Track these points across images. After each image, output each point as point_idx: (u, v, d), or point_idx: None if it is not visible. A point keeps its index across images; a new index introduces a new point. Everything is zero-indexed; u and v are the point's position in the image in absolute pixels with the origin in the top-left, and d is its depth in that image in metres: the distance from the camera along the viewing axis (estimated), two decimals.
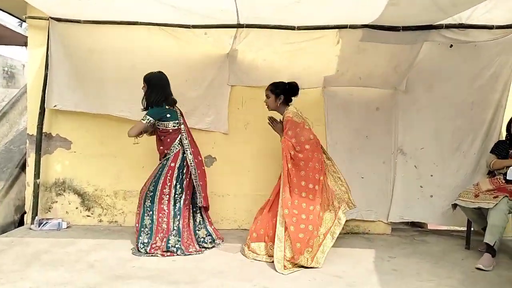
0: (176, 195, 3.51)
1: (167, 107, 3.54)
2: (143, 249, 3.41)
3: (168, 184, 3.50)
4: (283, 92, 3.54)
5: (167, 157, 3.57)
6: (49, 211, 4.31)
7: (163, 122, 3.51)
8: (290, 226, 3.22)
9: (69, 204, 4.33)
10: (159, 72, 3.55)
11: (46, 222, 4.08)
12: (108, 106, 4.16)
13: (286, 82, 3.57)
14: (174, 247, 3.41)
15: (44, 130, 4.23)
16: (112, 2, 3.56)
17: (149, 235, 3.47)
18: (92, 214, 4.34)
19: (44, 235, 3.87)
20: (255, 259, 3.36)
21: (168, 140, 3.56)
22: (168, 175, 3.51)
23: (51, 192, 4.31)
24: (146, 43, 4.07)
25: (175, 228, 3.47)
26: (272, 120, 3.64)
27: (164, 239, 3.43)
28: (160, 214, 3.48)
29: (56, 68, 4.10)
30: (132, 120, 3.99)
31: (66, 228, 4.16)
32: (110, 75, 4.14)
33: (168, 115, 3.52)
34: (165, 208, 3.48)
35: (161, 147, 3.61)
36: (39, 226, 4.03)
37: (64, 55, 4.12)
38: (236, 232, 4.19)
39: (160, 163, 3.60)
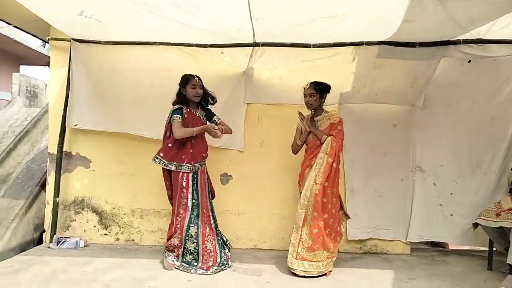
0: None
1: None
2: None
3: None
4: (326, 91, 3.61)
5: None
6: (68, 229, 4.36)
7: None
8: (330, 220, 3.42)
9: (87, 222, 4.37)
10: None
11: (65, 241, 4.13)
12: (127, 125, 4.23)
13: (323, 82, 3.63)
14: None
15: (64, 149, 4.31)
16: (131, 24, 3.64)
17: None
18: (109, 232, 4.37)
19: (62, 253, 3.91)
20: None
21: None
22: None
23: (70, 210, 4.37)
24: (164, 63, 4.14)
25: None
26: (304, 116, 3.64)
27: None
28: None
29: (77, 88, 4.20)
30: (150, 138, 4.06)
31: (84, 246, 4.19)
32: (129, 94, 4.22)
33: None
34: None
35: (206, 151, 3.64)
36: (57, 245, 4.07)
37: (85, 75, 4.22)
38: (252, 251, 4.15)
39: (202, 168, 3.60)
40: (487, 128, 4.09)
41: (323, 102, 3.66)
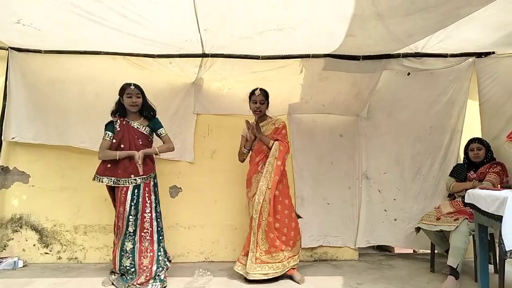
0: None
1: None
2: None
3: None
4: (268, 98, 3.69)
5: (153, 175, 3.48)
6: (5, 249, 4.06)
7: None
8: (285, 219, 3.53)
9: (26, 241, 4.10)
10: None
11: (1, 261, 3.85)
12: (69, 137, 4.05)
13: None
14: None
15: (1, 164, 4.05)
16: (74, 33, 3.51)
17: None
18: (50, 251, 4.13)
19: None
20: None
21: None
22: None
23: (7, 228, 4.08)
24: (110, 73, 4.02)
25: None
26: (250, 125, 3.63)
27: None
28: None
29: (15, 99, 3.98)
30: (94, 151, 3.90)
31: (23, 267, 3.93)
32: (72, 105, 4.05)
33: None
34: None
35: (149, 166, 3.44)
36: None
37: (23, 85, 4.01)
38: (203, 265, 4.07)
39: (148, 183, 3.42)
40: (425, 137, 4.32)
41: (267, 109, 3.73)
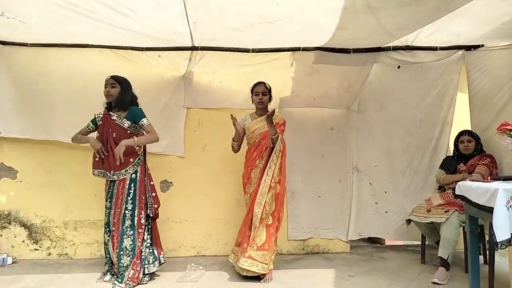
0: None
1: None
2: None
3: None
4: (271, 93, 3.68)
5: (134, 169, 3.33)
6: None
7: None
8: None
9: (15, 237, 4.05)
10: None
11: None
12: (57, 132, 3.98)
13: None
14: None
15: None
16: (61, 26, 3.43)
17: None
18: (40, 247, 4.08)
19: None
20: None
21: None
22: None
23: None
24: (98, 66, 3.94)
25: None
26: (236, 120, 3.58)
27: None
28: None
29: (0, 93, 3.89)
30: (83, 146, 3.84)
31: (12, 263, 3.89)
32: (59, 99, 3.98)
33: None
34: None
35: (130, 156, 3.29)
36: None
37: (9, 79, 3.92)
38: (195, 259, 4.05)
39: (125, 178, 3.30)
40: (416, 130, 4.35)
41: (269, 103, 3.69)
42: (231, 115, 3.57)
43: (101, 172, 3.32)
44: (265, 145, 3.52)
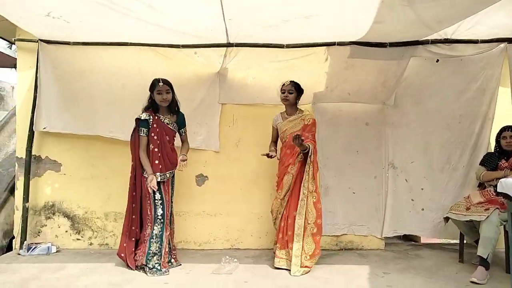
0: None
1: None
2: None
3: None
4: (302, 92, 3.73)
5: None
6: (38, 235, 4.23)
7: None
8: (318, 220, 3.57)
9: (59, 227, 4.25)
10: None
11: (35, 247, 4.01)
12: (98, 127, 4.14)
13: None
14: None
15: (33, 153, 4.18)
16: (102, 25, 3.57)
17: None
18: (82, 237, 4.27)
19: (33, 260, 3.79)
20: None
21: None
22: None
23: (40, 215, 4.24)
24: (136, 64, 4.08)
25: None
26: (270, 154, 3.64)
27: None
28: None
29: (45, 90, 4.09)
30: (122, 140, 3.98)
31: (56, 252, 4.08)
32: (100, 96, 4.13)
33: None
34: None
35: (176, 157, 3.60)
36: (28, 251, 3.95)
37: (53, 77, 4.11)
38: (229, 252, 4.12)
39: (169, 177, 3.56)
40: (455, 126, 4.21)
41: (298, 101, 3.73)
42: (263, 154, 3.64)
43: (162, 175, 3.47)
44: (296, 154, 3.57)
